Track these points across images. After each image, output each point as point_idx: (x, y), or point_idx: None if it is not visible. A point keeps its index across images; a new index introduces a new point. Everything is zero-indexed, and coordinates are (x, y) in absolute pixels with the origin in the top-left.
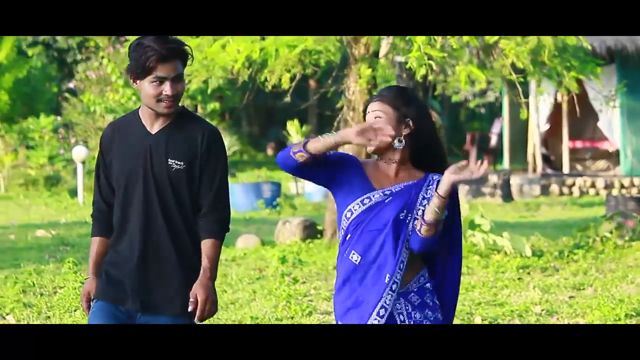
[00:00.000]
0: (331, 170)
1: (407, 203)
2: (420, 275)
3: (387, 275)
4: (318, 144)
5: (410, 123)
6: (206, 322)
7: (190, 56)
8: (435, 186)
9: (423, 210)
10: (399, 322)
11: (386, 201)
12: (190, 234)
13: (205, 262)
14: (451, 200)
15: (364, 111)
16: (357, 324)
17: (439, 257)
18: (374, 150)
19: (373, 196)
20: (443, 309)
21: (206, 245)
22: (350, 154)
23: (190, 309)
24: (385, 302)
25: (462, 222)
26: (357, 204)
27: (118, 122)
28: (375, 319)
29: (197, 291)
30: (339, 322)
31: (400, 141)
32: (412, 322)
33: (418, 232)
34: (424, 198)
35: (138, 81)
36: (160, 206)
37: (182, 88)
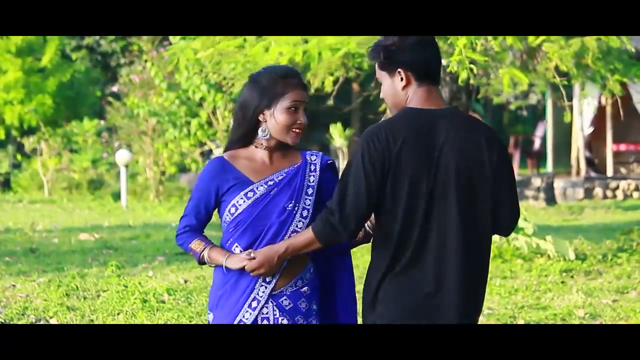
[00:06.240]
0: (214, 202)
1: (292, 193)
2: (298, 279)
3: None
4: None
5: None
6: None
7: None
8: (316, 172)
9: (310, 200)
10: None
11: (271, 193)
12: None
13: None
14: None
15: None
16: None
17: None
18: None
19: (257, 189)
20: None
21: None
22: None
23: None
24: (258, 294)
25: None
26: (241, 197)
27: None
28: (247, 310)
29: None
30: (211, 313)
31: (264, 130)
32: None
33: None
34: (308, 186)
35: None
36: None
37: None
